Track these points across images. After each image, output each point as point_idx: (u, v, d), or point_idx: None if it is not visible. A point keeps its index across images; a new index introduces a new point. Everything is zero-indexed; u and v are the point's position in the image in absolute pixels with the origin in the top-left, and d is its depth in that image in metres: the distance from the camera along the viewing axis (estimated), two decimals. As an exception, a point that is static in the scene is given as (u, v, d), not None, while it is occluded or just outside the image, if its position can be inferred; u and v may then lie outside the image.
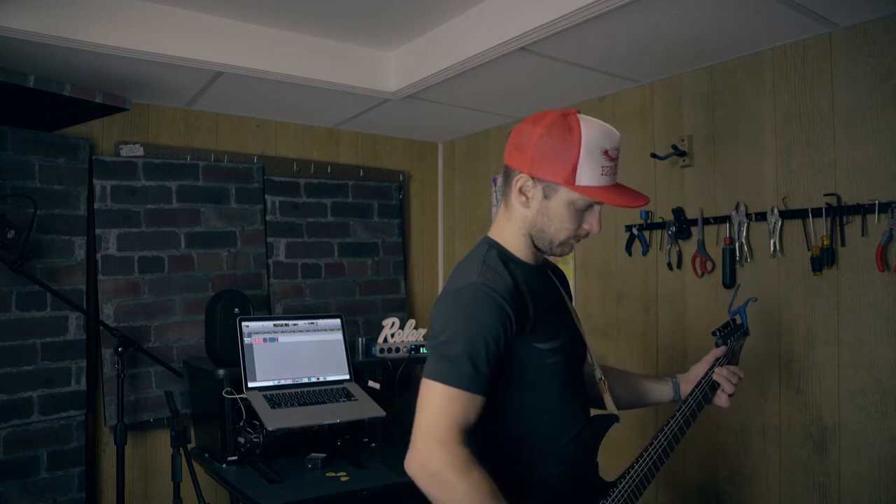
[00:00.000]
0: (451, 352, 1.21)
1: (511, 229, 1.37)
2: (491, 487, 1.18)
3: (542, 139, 1.27)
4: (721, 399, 1.57)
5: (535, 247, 1.37)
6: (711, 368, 1.58)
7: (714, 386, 1.57)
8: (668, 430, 1.47)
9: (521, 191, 1.32)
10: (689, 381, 1.61)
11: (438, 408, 1.20)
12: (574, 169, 1.26)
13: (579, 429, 1.37)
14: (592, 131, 1.27)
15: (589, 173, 1.26)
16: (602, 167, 1.27)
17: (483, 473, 1.18)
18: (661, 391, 1.65)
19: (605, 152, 1.27)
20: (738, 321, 1.71)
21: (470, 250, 1.42)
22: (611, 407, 1.50)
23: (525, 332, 1.28)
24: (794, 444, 2.07)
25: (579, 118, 1.29)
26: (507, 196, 1.37)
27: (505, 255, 1.36)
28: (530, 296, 1.32)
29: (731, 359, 1.63)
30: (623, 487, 1.37)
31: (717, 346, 1.63)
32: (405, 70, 2.63)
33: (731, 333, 1.65)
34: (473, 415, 1.21)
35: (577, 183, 1.27)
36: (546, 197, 1.31)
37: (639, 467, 1.40)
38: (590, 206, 1.32)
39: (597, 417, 1.42)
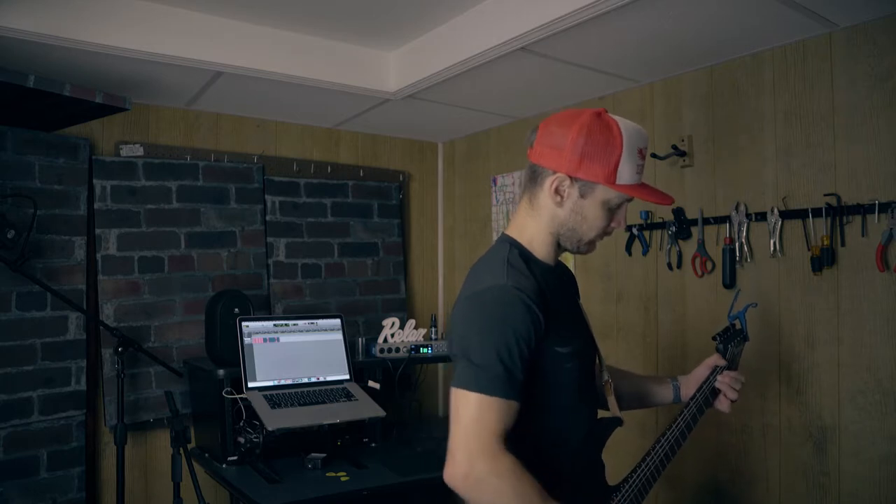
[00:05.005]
0: (483, 358, 1.19)
1: (536, 228, 1.36)
2: (536, 487, 1.17)
3: (583, 139, 1.27)
4: (723, 404, 1.56)
5: (559, 245, 1.37)
6: (712, 374, 1.57)
7: (715, 391, 1.57)
8: (671, 433, 1.47)
9: (556, 191, 1.31)
10: (689, 383, 1.61)
11: (475, 417, 1.17)
12: (616, 168, 1.27)
13: (586, 431, 1.37)
14: (630, 131, 1.28)
15: (627, 172, 1.28)
16: (637, 166, 1.30)
17: (527, 475, 1.17)
18: (663, 393, 1.64)
19: (640, 151, 1.30)
20: (738, 326, 1.71)
21: (488, 250, 1.40)
22: (614, 410, 1.49)
23: (549, 334, 1.26)
24: (794, 444, 2.07)
25: (613, 117, 1.29)
26: (535, 195, 1.35)
27: (525, 255, 1.34)
28: (551, 297, 1.30)
29: (730, 364, 1.63)
30: (627, 491, 1.37)
31: (718, 350, 1.62)
32: (405, 70, 2.63)
33: (732, 338, 1.65)
34: (511, 421, 1.20)
35: (618, 182, 1.28)
36: (582, 196, 1.31)
37: (641, 471, 1.40)
38: (619, 206, 1.33)
39: (601, 420, 1.42)
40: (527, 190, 1.38)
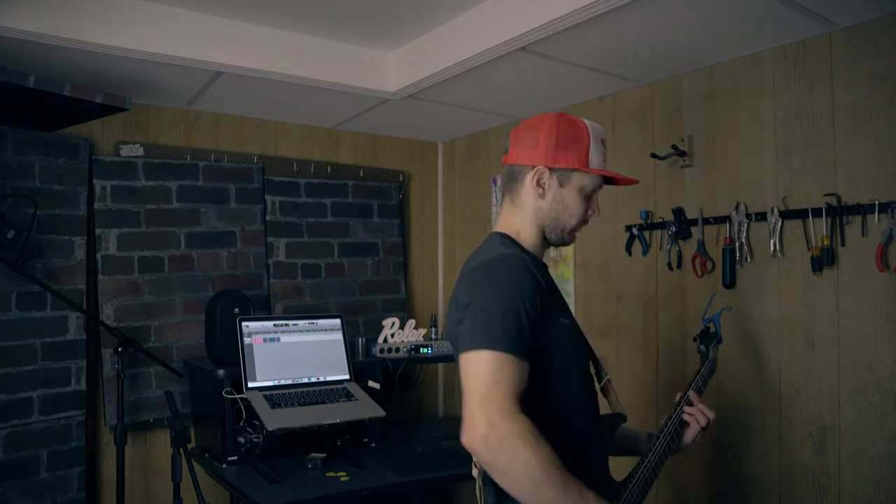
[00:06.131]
0: (492, 318, 1.21)
1: (521, 223, 1.44)
2: (554, 454, 1.15)
3: (554, 133, 1.39)
4: (689, 434, 1.52)
5: (545, 239, 1.45)
6: (678, 407, 1.54)
7: (684, 423, 1.52)
8: (667, 431, 1.49)
9: (538, 183, 1.40)
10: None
11: (490, 375, 1.16)
12: (587, 154, 1.40)
13: (593, 423, 1.38)
14: (591, 124, 1.43)
15: (596, 159, 1.41)
16: (602, 154, 1.43)
17: (545, 441, 1.15)
18: (640, 441, 1.59)
19: (602, 141, 1.43)
20: (712, 329, 1.75)
21: (479, 245, 1.45)
22: (616, 407, 1.52)
23: (551, 305, 1.31)
24: (794, 444, 2.07)
25: (573, 116, 1.44)
26: (516, 193, 1.44)
27: (518, 245, 1.42)
28: (546, 276, 1.37)
29: (711, 366, 1.66)
30: (633, 487, 1.38)
31: (700, 352, 1.68)
32: (405, 70, 2.63)
33: (710, 341, 1.70)
34: (523, 382, 1.19)
35: (591, 166, 1.40)
36: (561, 185, 1.41)
37: (644, 468, 1.41)
38: (592, 192, 1.44)
39: (604, 417, 1.44)
40: (507, 191, 1.47)
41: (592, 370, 1.52)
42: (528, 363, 1.21)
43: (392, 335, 2.86)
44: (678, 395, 1.57)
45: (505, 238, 1.42)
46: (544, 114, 1.44)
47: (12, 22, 1.96)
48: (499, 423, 1.13)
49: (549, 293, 1.32)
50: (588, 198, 1.43)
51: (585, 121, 1.42)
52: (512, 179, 1.44)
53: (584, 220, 1.45)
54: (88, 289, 2.63)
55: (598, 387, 1.53)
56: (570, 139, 1.39)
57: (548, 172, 1.39)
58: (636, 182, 1.48)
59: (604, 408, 1.51)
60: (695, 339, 1.71)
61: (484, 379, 1.17)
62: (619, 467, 1.45)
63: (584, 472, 1.31)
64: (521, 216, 1.44)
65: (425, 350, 2.87)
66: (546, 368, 1.29)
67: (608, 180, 1.47)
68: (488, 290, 1.24)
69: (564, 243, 1.46)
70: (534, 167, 1.40)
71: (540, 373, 1.27)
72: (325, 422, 2.35)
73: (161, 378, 2.71)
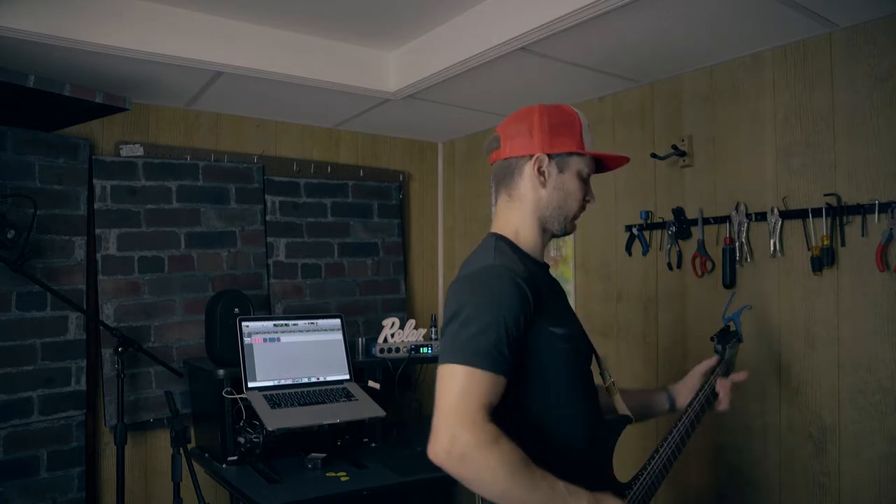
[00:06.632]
0: (471, 333, 1.20)
1: (521, 216, 1.41)
2: (520, 455, 1.15)
3: (546, 119, 1.39)
4: (722, 405, 1.60)
5: (544, 231, 1.42)
6: (709, 377, 1.60)
7: (715, 393, 1.59)
8: (676, 432, 1.49)
9: (539, 170, 1.38)
10: (682, 392, 1.63)
11: (460, 390, 1.17)
12: (581, 136, 1.40)
13: (593, 427, 1.36)
14: (576, 110, 1.43)
15: (588, 141, 1.42)
16: (591, 138, 1.44)
17: (511, 443, 1.15)
18: (659, 404, 1.65)
19: (588, 126, 1.44)
20: (732, 328, 1.73)
21: (476, 247, 1.42)
22: (622, 409, 1.49)
23: (541, 315, 1.28)
24: (794, 444, 2.07)
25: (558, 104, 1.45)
26: (514, 187, 1.42)
27: (513, 247, 1.38)
28: (541, 284, 1.33)
29: (727, 366, 1.65)
30: (638, 489, 1.38)
31: (716, 351, 1.65)
32: (405, 70, 2.63)
33: (728, 340, 1.67)
34: (496, 396, 1.19)
35: (586, 149, 1.40)
36: (560, 171, 1.39)
37: (651, 469, 1.41)
38: (588, 176, 1.43)
39: (611, 418, 1.43)
40: (503, 188, 1.44)
41: (597, 370, 1.52)
42: (505, 377, 1.20)
43: (392, 335, 2.86)
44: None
45: (500, 241, 1.38)
46: (528, 106, 1.43)
47: (12, 22, 1.96)
48: (461, 435, 1.14)
49: (541, 301, 1.28)
50: (585, 182, 1.42)
51: (571, 107, 1.43)
52: (508, 174, 1.42)
53: (583, 206, 1.44)
54: (88, 289, 2.63)
55: (604, 387, 1.52)
56: (564, 124, 1.39)
57: (547, 158, 1.38)
58: (627, 160, 1.48)
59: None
60: (712, 339, 1.67)
61: (453, 394, 1.17)
62: (622, 471, 1.45)
63: (586, 474, 1.30)
64: (520, 210, 1.41)
65: (425, 350, 2.87)
66: (536, 379, 1.28)
67: (599, 168, 1.47)
68: (471, 304, 1.23)
69: (567, 232, 1.44)
70: (531, 156, 1.38)
71: (529, 384, 1.27)
72: (325, 422, 2.35)
73: (161, 378, 2.71)
